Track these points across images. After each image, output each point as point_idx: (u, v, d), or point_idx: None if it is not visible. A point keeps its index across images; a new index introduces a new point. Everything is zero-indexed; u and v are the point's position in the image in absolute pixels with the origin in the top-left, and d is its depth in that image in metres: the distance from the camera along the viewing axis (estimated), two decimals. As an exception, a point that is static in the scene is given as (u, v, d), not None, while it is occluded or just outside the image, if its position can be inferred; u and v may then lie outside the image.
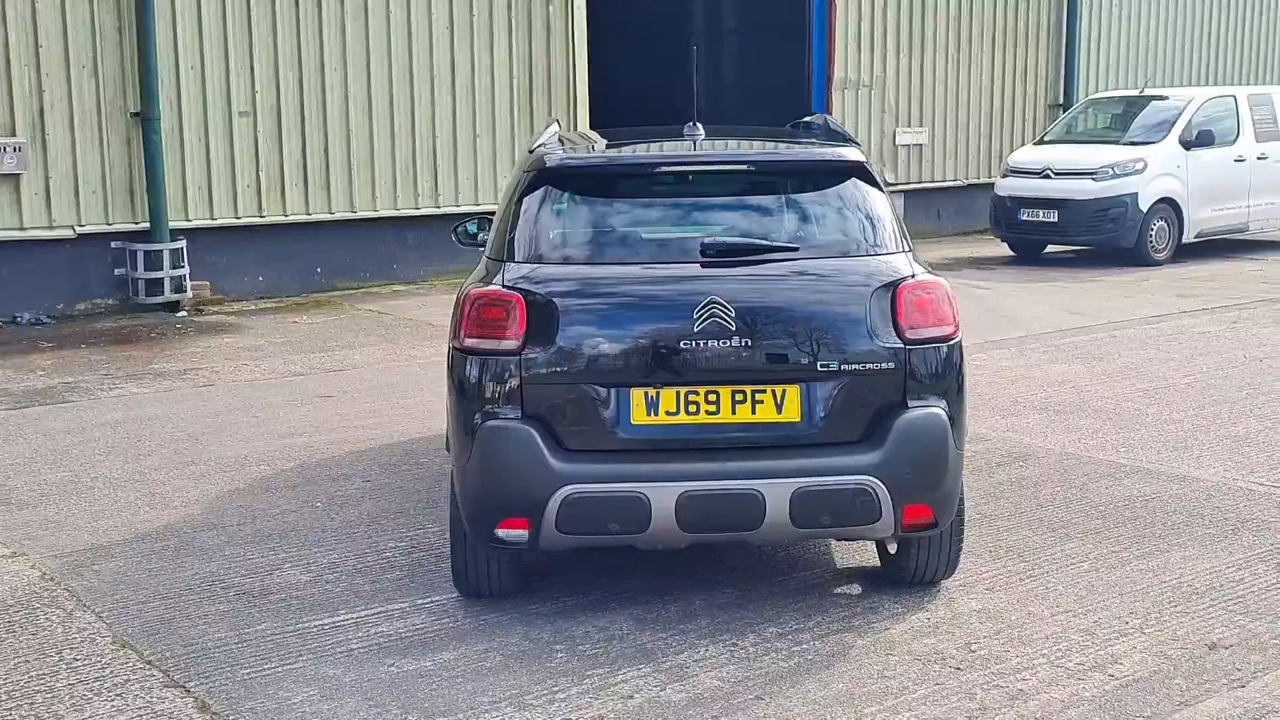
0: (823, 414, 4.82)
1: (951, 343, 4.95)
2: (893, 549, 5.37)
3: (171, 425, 8.53)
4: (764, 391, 4.82)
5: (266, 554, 6.00)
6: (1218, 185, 16.48)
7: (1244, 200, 16.87)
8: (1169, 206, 16.00)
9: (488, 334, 4.86)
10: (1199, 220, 16.41)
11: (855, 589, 5.44)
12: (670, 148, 5.46)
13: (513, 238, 5.07)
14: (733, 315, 4.77)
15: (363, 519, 6.48)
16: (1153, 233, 15.91)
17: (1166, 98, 17.25)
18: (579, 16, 16.19)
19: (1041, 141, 17.43)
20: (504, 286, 4.90)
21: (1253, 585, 5.39)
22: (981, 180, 20.21)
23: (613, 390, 4.80)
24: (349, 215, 14.97)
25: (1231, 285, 14.36)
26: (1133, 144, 16.24)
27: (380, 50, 14.91)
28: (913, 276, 4.97)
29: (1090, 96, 18.97)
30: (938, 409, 4.89)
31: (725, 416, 4.81)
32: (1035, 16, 20.33)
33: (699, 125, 5.54)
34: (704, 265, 4.91)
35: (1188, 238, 16.33)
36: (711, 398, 4.81)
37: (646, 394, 4.81)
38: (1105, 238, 15.88)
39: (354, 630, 5.08)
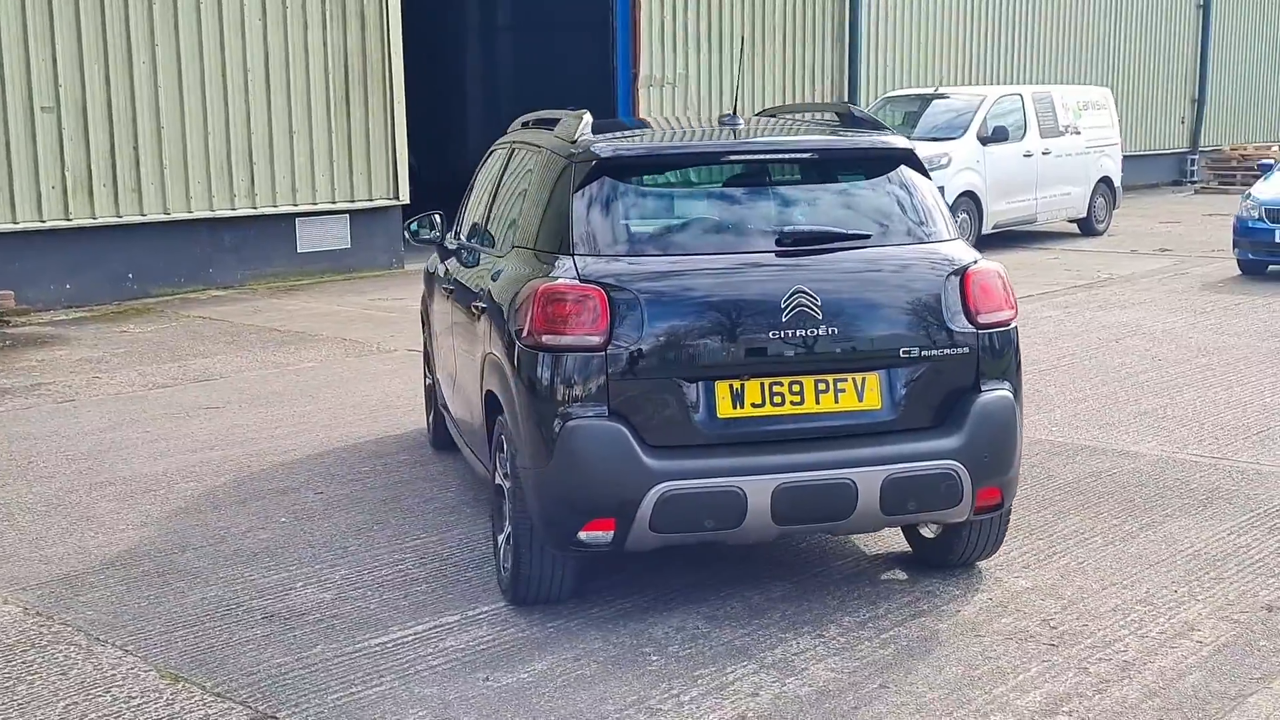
0: (902, 400, 4.83)
1: (1012, 326, 5.04)
2: (932, 533, 5.42)
3: (56, 444, 7.94)
4: (845, 380, 4.79)
5: (266, 574, 5.63)
6: (1011, 179, 17.32)
7: (1032, 193, 17.79)
8: (970, 200, 16.72)
9: (568, 330, 4.67)
10: (995, 212, 17.21)
11: (899, 574, 5.48)
12: (720, 136, 5.35)
13: (571, 229, 4.87)
14: (819, 304, 4.73)
15: (346, 532, 6.16)
16: (958, 225, 16.56)
17: (954, 96, 18.01)
18: (394, 7, 15.78)
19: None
20: (580, 280, 4.71)
21: (1261, 550, 5.67)
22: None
23: (698, 384, 4.69)
24: (162, 217, 14.24)
25: (1040, 273, 15.11)
26: (935, 140, 16.86)
27: (190, 41, 14.22)
28: (975, 262, 5.03)
29: (886, 95, 19.64)
30: (1006, 391, 4.97)
31: (809, 406, 4.77)
32: (820, 16, 20.91)
33: (738, 115, 5.46)
34: (779, 254, 4.85)
35: (986, 229, 17.09)
36: (795, 388, 4.76)
37: (731, 386, 4.72)
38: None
39: (421, 647, 4.81)
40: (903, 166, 5.15)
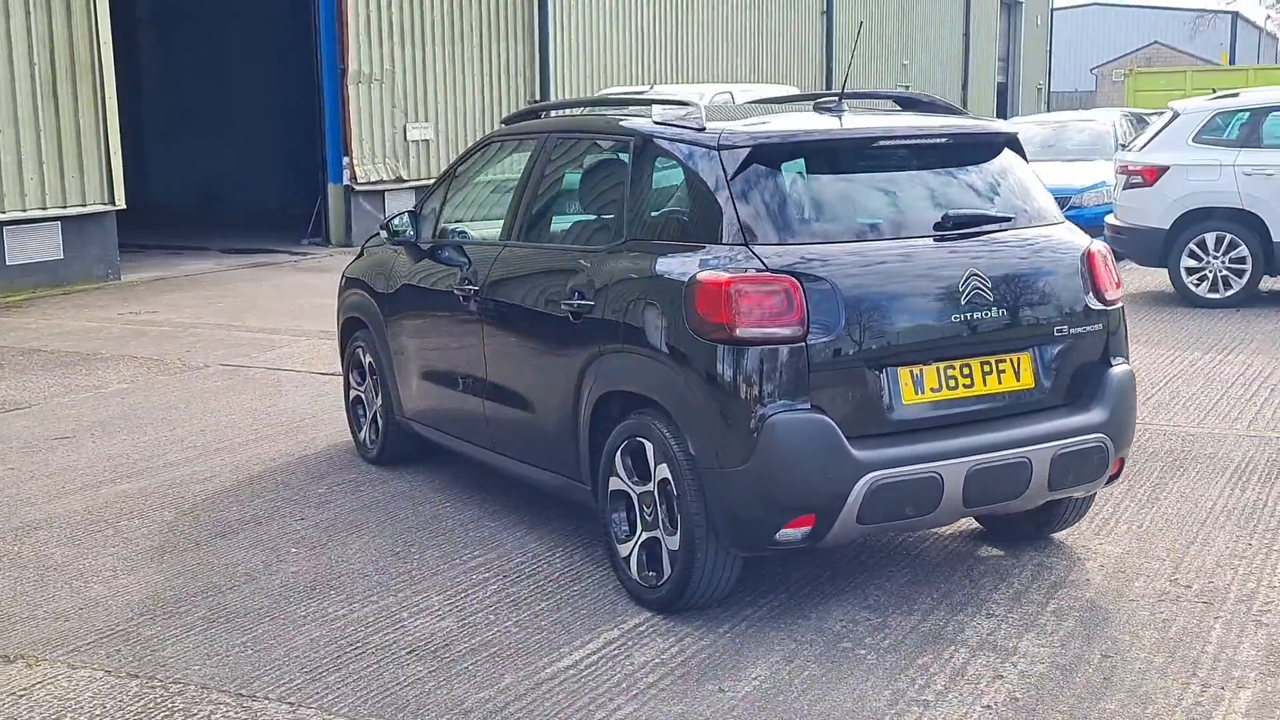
0: (1050, 378, 4.94)
1: (1122, 303, 5.25)
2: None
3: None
4: (1005, 360, 4.86)
5: (349, 607, 5.13)
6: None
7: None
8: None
9: (766, 322, 4.50)
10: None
11: (994, 550, 5.59)
12: (847, 122, 5.24)
13: (734, 219, 4.69)
14: (989, 286, 4.78)
15: (383, 557, 5.71)
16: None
17: (666, 94, 18.41)
18: (101, -5, 14.55)
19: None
20: (770, 270, 4.55)
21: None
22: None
23: (884, 371, 4.64)
24: None
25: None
26: (663, 136, 17.15)
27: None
28: (1093, 241, 5.21)
29: (601, 93, 19.78)
30: (1128, 365, 5.18)
31: (978, 389, 4.81)
32: (512, 13, 20.83)
33: (843, 100, 5.40)
34: (938, 239, 4.85)
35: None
36: (966, 370, 4.79)
37: (912, 372, 4.69)
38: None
39: (612, 666, 4.53)
40: (1009, 149, 5.25)
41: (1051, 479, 4.83)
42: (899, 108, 5.71)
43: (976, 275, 4.76)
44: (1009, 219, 5.01)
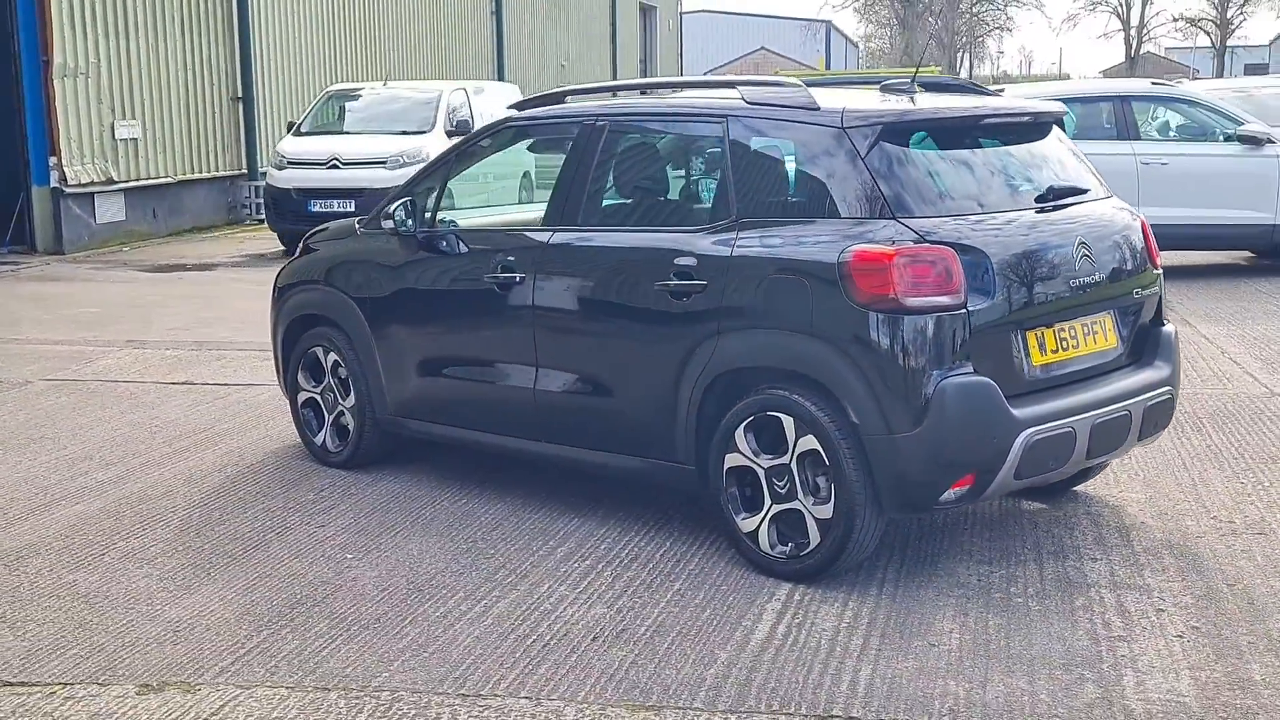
0: (1125, 337, 5.39)
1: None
2: None
3: None
4: (1097, 322, 5.27)
5: (483, 604, 4.99)
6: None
7: (488, 188, 18.38)
8: (445, 191, 16.96)
9: (932, 291, 4.72)
10: (463, 203, 17.63)
11: (1034, 504, 5.98)
12: (937, 102, 5.45)
13: (877, 194, 4.87)
14: (1092, 254, 5.17)
15: (454, 553, 5.55)
16: (438, 217, 16.79)
17: (400, 90, 18.19)
18: None
19: (300, 133, 17.40)
20: (928, 241, 4.76)
21: None
22: (193, 176, 19.51)
23: (1018, 333, 4.94)
24: None
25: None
26: (405, 134, 16.92)
27: None
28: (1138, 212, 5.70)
29: (329, 89, 19.21)
30: (1173, 325, 5.70)
31: (1082, 349, 5.19)
32: (211, 6, 19.93)
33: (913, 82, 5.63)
34: (1039, 210, 5.19)
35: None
36: (1072, 332, 5.16)
37: (1038, 335, 5.02)
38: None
39: (810, 635, 4.62)
40: (1059, 126, 5.65)
41: (1142, 430, 5.27)
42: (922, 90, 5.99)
43: (1084, 244, 5.13)
44: (1085, 190, 5.40)
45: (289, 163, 16.56)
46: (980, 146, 5.30)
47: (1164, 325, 5.58)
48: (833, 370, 4.83)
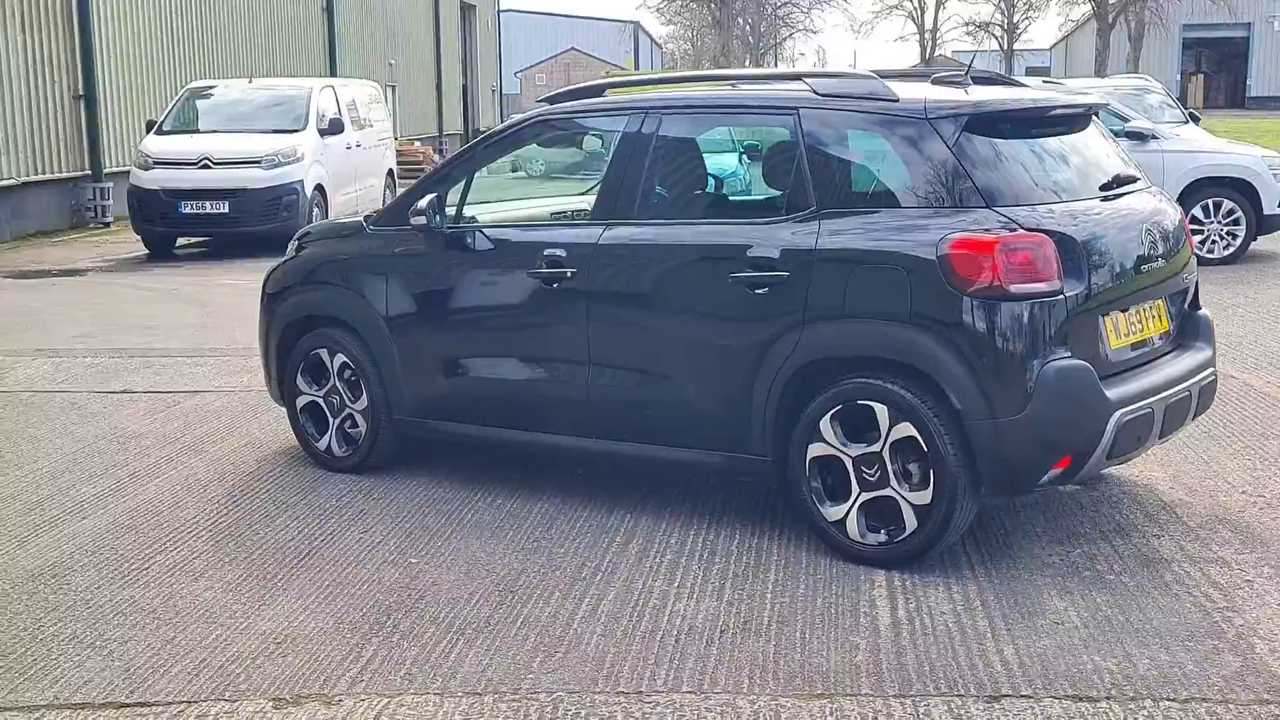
0: (1173, 320, 5.61)
1: None
2: None
3: None
4: (1155, 306, 5.47)
5: (582, 602, 4.92)
6: (343, 171, 17.46)
7: (354, 185, 18.05)
8: (319, 192, 16.58)
9: (1035, 277, 4.83)
10: (336, 204, 17.25)
11: (1070, 486, 6.14)
12: (999, 94, 5.55)
13: (969, 183, 4.97)
14: (1155, 240, 5.38)
15: (522, 551, 5.47)
16: (314, 218, 16.37)
17: (265, 87, 17.71)
18: None
19: (162, 131, 16.77)
20: (1024, 229, 4.88)
21: None
22: (35, 178, 18.64)
23: (1100, 318, 5.11)
24: None
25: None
26: (278, 132, 16.46)
27: None
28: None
29: (190, 86, 18.52)
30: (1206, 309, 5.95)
31: (1145, 332, 5.38)
32: (50, 1, 19.04)
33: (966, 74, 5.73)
34: (1104, 199, 5.37)
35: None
36: (1140, 316, 5.34)
37: (1114, 319, 5.19)
38: (280, 225, 15.84)
39: (934, 619, 4.68)
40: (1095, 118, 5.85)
41: (1196, 410, 5.49)
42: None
43: (1149, 230, 5.32)
44: (1138, 179, 5.61)
45: (155, 163, 15.94)
46: (1047, 136, 5.43)
47: (1200, 309, 5.81)
48: (933, 357, 4.90)
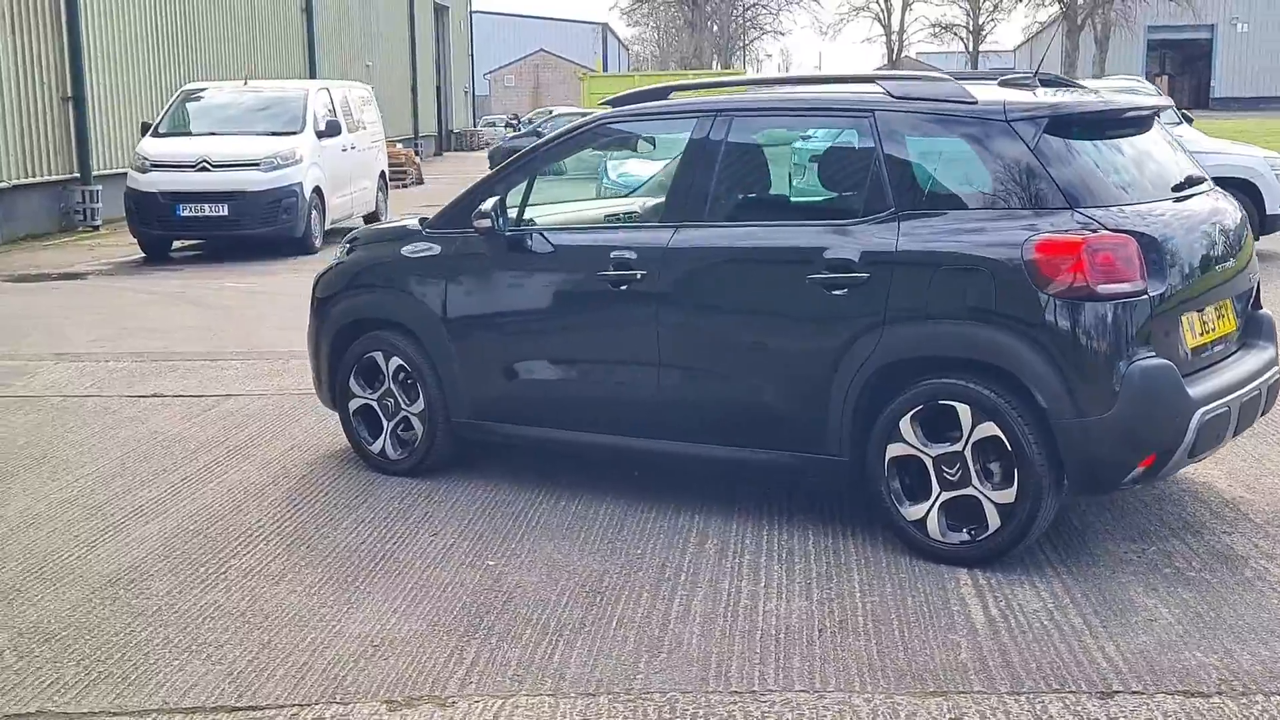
0: (1238, 319, 5.68)
1: None
2: None
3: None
4: (1224, 306, 5.53)
5: (671, 604, 4.95)
6: (339, 174, 17.40)
7: (350, 187, 17.98)
8: (317, 195, 16.51)
9: (1121, 278, 4.89)
10: (333, 207, 17.20)
11: (1125, 485, 6.23)
12: (1064, 97, 5.60)
13: (1052, 184, 5.02)
14: (1225, 240, 5.45)
15: (599, 554, 5.49)
16: (313, 221, 16.32)
17: (261, 88, 17.63)
18: None
19: (159, 133, 16.67)
20: (1109, 230, 4.94)
21: None
22: (25, 180, 18.50)
23: (1178, 318, 5.17)
24: None
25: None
26: (275, 134, 16.39)
27: None
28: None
29: (185, 88, 18.40)
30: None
31: (1216, 332, 5.45)
32: (39, 2, 18.90)
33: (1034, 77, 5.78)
34: (1176, 200, 5.44)
35: (329, 224, 17.01)
36: (1210, 316, 5.41)
37: (1188, 319, 5.26)
38: (279, 228, 15.90)
39: (1028, 617, 4.72)
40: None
41: (1264, 408, 5.57)
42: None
43: (1220, 230, 5.40)
44: (1205, 180, 5.68)
45: (153, 165, 15.83)
46: (1118, 138, 5.49)
47: (1262, 308, 5.89)
48: (1019, 358, 4.95)
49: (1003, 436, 5.00)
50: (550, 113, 38.51)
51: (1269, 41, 62.94)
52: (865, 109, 5.44)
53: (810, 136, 5.85)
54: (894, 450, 5.24)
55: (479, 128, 52.05)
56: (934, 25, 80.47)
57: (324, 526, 5.92)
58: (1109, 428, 4.87)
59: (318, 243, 16.31)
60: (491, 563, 5.41)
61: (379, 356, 6.63)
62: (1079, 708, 4.02)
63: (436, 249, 6.42)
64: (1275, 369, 5.67)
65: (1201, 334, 5.29)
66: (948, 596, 4.91)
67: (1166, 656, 4.35)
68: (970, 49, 79.68)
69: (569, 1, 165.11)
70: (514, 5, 78.78)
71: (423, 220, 6.72)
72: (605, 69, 72.15)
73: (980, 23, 78.95)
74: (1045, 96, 5.49)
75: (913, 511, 5.24)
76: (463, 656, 4.51)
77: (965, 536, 5.15)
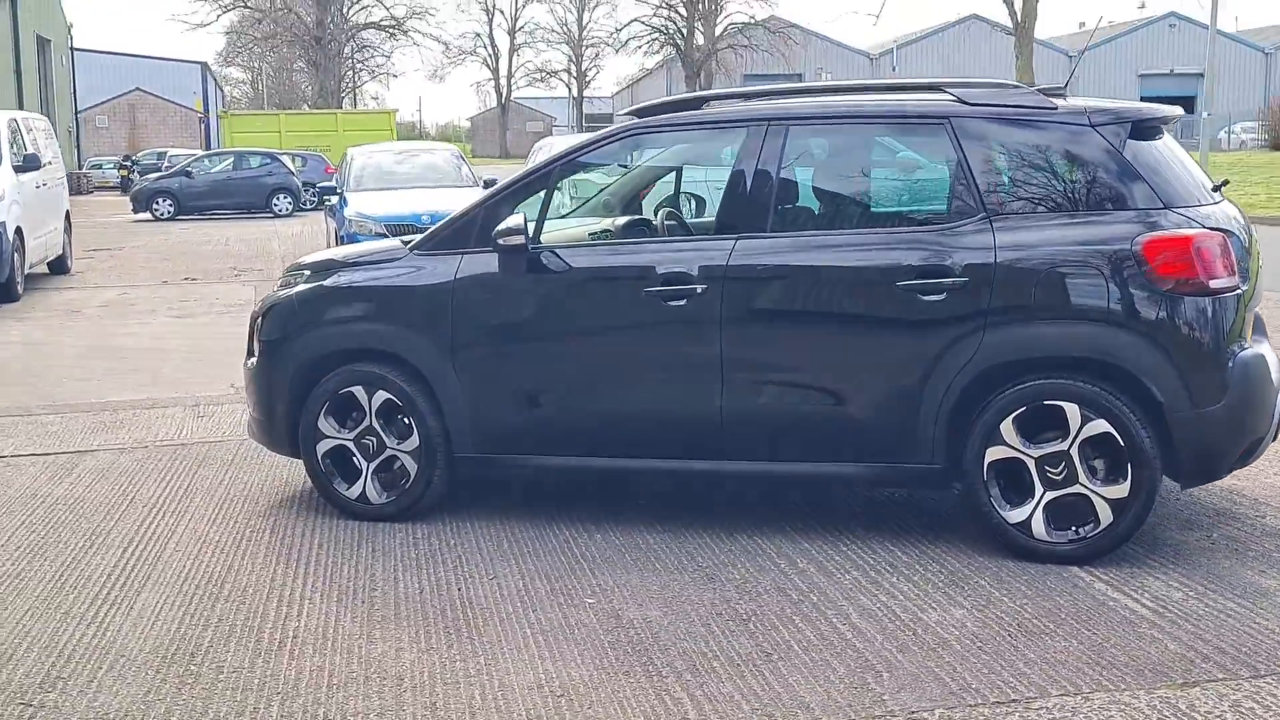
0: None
1: None
2: None
3: None
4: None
5: (795, 627, 4.77)
6: (37, 213, 15.88)
7: (45, 228, 16.42)
8: (19, 237, 14.96)
9: (1225, 273, 5.09)
10: (33, 249, 15.67)
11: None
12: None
13: (1145, 186, 5.17)
14: (1253, 239, 5.78)
15: (687, 583, 5.20)
16: (15, 266, 14.75)
17: None
18: None
19: None
20: (1207, 228, 5.15)
21: None
22: None
23: (1246, 311, 5.42)
24: None
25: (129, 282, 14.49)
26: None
27: None
28: None
29: None
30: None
31: (1249, 326, 5.76)
32: None
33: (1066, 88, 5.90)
34: (1215, 203, 5.72)
35: (29, 268, 15.47)
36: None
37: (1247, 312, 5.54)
38: (-22, 273, 14.29)
39: (1151, 614, 4.85)
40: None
41: (1278, 403, 5.92)
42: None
43: (1249, 230, 5.71)
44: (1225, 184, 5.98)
45: None
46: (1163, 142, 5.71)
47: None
48: (1134, 353, 5.04)
49: (1114, 433, 5.07)
50: (163, 154, 36.58)
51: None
52: (940, 116, 5.42)
53: (878, 144, 5.75)
54: (994, 453, 5.22)
55: (84, 169, 48.87)
56: (539, 70, 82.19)
57: (361, 577, 5.32)
58: (1221, 417, 5.04)
59: (20, 289, 14.72)
60: (591, 600, 5.01)
61: (359, 391, 6.03)
62: (1329, 685, 4.09)
63: (433, 271, 5.91)
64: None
65: (1249, 327, 5.54)
66: (1089, 594, 4.91)
67: (1320, 638, 4.50)
68: (575, 94, 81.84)
69: (166, 41, 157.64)
70: (106, 43, 74.50)
71: (406, 241, 6.18)
72: (206, 108, 69.37)
73: (584, 69, 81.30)
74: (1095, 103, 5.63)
75: (1015, 514, 5.22)
76: (676, 695, 4.14)
77: (1074, 534, 5.18)
